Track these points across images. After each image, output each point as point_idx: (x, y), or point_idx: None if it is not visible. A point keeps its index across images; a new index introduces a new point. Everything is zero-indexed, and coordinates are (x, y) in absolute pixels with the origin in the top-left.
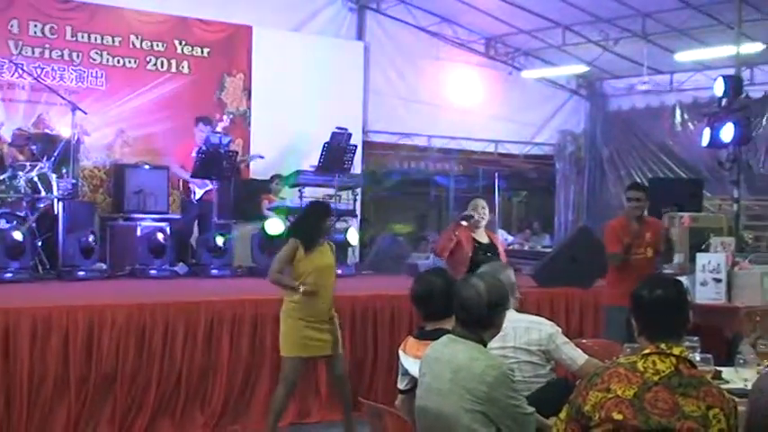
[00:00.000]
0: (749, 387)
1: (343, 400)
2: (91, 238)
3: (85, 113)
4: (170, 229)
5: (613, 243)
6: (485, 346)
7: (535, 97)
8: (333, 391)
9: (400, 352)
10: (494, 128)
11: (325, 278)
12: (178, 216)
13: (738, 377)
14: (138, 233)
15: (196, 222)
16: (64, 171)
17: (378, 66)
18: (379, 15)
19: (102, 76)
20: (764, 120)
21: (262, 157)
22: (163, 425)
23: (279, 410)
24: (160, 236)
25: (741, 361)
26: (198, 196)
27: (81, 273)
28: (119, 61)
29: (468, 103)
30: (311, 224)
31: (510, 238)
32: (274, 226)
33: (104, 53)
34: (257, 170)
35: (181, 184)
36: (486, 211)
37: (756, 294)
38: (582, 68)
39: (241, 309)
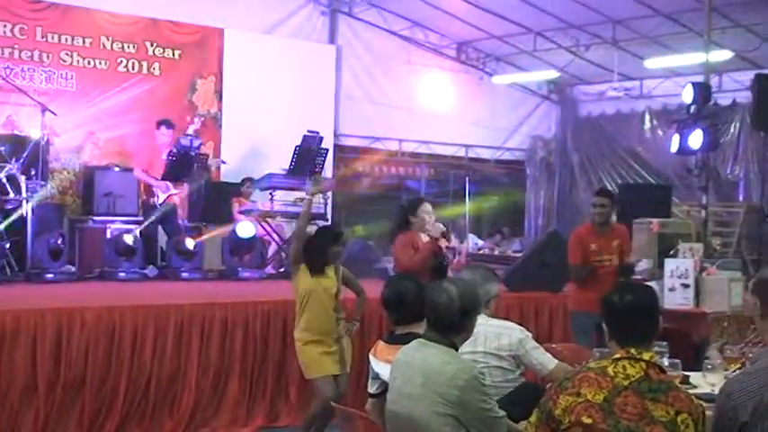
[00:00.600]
0: (716, 392)
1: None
2: (60, 241)
3: (55, 115)
4: (140, 231)
5: (575, 254)
6: (456, 350)
7: (506, 102)
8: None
9: (371, 356)
10: (465, 132)
11: (322, 300)
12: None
13: (706, 382)
14: (108, 235)
15: (160, 226)
16: (33, 172)
17: (349, 69)
18: (351, 19)
19: (72, 78)
20: (732, 127)
21: (224, 162)
22: (131, 430)
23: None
24: (129, 238)
25: (708, 366)
26: (161, 200)
27: (49, 275)
28: (89, 62)
29: (439, 108)
30: (319, 251)
31: (480, 243)
32: (245, 229)
33: (75, 54)
34: (228, 173)
35: (142, 187)
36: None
37: (723, 300)
38: (553, 74)
39: (211, 312)
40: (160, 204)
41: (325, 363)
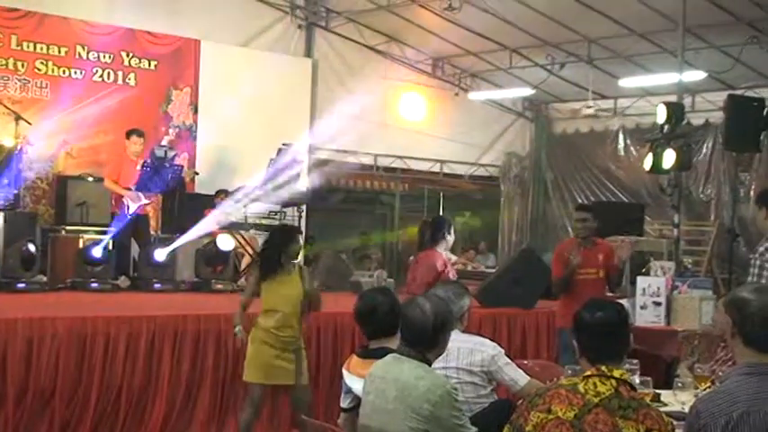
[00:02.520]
0: (687, 410)
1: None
2: (32, 250)
3: (29, 123)
4: (112, 242)
5: (558, 267)
6: (429, 365)
7: (481, 119)
8: (290, 419)
9: (344, 370)
10: (440, 148)
11: (290, 307)
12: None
13: (676, 400)
14: (80, 245)
15: (132, 237)
16: (6, 181)
17: (325, 83)
18: (328, 33)
19: (46, 87)
20: (705, 147)
21: (197, 173)
22: None
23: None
24: (102, 249)
25: (679, 384)
26: (131, 210)
27: (21, 284)
28: (64, 72)
29: (414, 123)
30: (273, 250)
31: (453, 258)
32: (225, 242)
33: (50, 63)
34: (202, 185)
35: (113, 198)
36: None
37: (694, 318)
38: (528, 91)
39: (183, 324)
40: (131, 215)
41: (267, 373)
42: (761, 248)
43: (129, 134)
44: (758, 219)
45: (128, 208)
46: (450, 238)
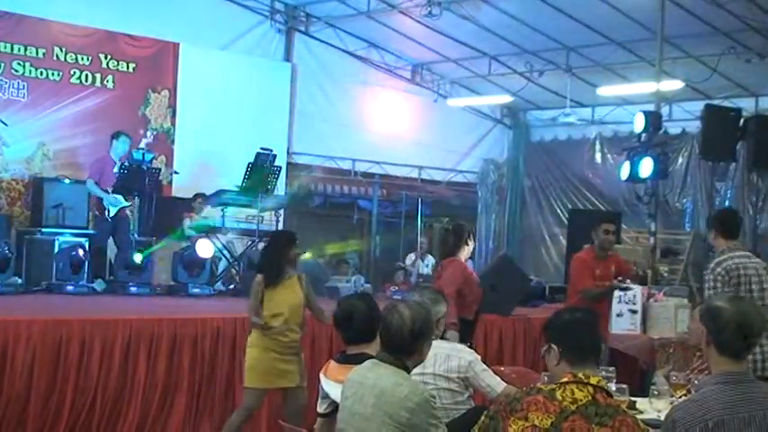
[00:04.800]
0: (662, 418)
1: None
2: (6, 252)
3: (6, 125)
4: (89, 244)
5: (585, 277)
6: (408, 372)
7: (460, 125)
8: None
9: (321, 375)
10: (418, 154)
11: (293, 313)
12: (91, 232)
13: (652, 408)
14: (56, 248)
15: (111, 240)
16: None
17: (305, 88)
18: (308, 38)
19: (24, 88)
20: (681, 156)
21: (176, 173)
22: None
23: None
24: (79, 251)
25: (655, 392)
26: (112, 213)
27: None
28: (42, 73)
29: (393, 129)
30: (274, 256)
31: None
32: (205, 247)
33: (27, 64)
34: (180, 188)
35: (93, 200)
36: None
37: (670, 326)
38: (506, 98)
39: (159, 328)
40: (112, 218)
41: (271, 378)
42: (711, 265)
43: (116, 135)
44: (709, 238)
45: (108, 211)
46: (471, 245)
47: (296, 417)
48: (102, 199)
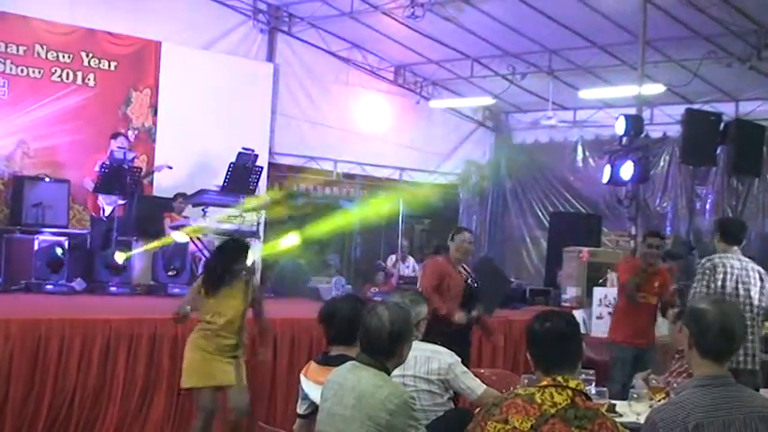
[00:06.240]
0: (641, 421)
1: None
2: None
3: None
4: (69, 243)
5: (628, 274)
6: (388, 374)
7: (442, 127)
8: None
9: (301, 376)
10: (400, 155)
11: (231, 316)
12: (84, 231)
13: (631, 411)
14: (36, 247)
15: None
16: None
17: (287, 88)
18: (290, 38)
19: (4, 85)
20: (662, 160)
21: (170, 168)
22: None
23: None
24: (58, 250)
25: (634, 395)
26: (107, 213)
27: None
28: (22, 71)
29: (375, 130)
30: (217, 266)
31: (418, 266)
32: (179, 236)
33: (8, 62)
34: (161, 188)
35: (89, 199)
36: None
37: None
38: (488, 100)
39: (138, 328)
40: (107, 217)
41: (211, 375)
42: (703, 260)
43: (115, 135)
44: (714, 239)
45: (103, 210)
46: (452, 244)
47: (241, 415)
48: (96, 197)
